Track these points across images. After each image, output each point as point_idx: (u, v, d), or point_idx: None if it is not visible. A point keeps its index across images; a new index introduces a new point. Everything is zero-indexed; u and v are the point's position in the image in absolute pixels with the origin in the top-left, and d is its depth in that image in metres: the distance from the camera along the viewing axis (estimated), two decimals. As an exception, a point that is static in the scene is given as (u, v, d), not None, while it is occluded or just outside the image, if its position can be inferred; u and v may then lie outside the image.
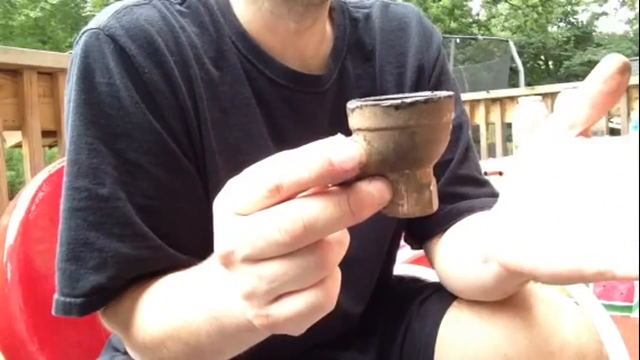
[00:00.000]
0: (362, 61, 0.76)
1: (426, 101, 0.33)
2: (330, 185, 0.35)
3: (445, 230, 0.76)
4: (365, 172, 0.35)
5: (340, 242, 0.36)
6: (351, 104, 0.35)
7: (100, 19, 0.62)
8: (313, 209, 0.33)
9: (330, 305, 0.36)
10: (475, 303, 0.70)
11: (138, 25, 0.61)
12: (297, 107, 0.70)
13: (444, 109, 0.35)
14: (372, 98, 0.37)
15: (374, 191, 0.34)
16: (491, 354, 0.64)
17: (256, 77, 0.68)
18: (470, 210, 0.75)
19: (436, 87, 0.78)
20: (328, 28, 0.75)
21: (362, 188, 0.34)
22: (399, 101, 0.33)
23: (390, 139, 0.34)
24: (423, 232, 0.78)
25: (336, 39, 0.74)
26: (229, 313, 0.43)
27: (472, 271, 0.64)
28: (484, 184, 0.80)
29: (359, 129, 0.35)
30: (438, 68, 0.79)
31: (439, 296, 0.76)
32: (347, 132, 0.36)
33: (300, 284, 0.35)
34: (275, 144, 0.68)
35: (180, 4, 0.66)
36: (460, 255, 0.69)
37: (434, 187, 0.37)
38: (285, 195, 0.34)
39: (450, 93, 0.35)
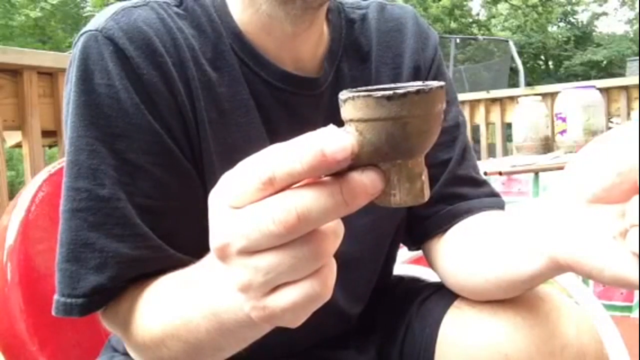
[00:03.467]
0: (358, 62, 0.76)
1: (418, 92, 0.34)
2: (323, 175, 0.35)
3: (445, 230, 0.76)
4: (357, 162, 0.35)
5: (334, 231, 0.36)
6: (343, 95, 0.35)
7: (98, 20, 0.62)
8: (306, 200, 0.34)
9: (327, 295, 0.37)
10: (476, 303, 0.70)
11: (136, 26, 0.61)
12: (293, 110, 0.70)
13: (435, 99, 0.35)
14: (364, 88, 0.37)
15: (366, 181, 0.35)
16: (492, 354, 0.64)
17: (252, 79, 0.68)
18: (470, 212, 0.75)
19: None
20: (325, 29, 0.75)
21: (355, 178, 0.34)
22: (390, 92, 0.33)
23: (382, 129, 0.34)
24: (422, 232, 0.78)
25: (332, 41, 0.74)
26: (227, 308, 0.43)
27: (483, 270, 0.65)
28: (482, 183, 0.80)
29: (351, 120, 0.35)
30: (434, 69, 0.80)
31: (439, 296, 0.76)
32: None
33: (296, 274, 0.36)
34: (272, 145, 0.68)
35: (177, 6, 0.67)
36: (469, 255, 0.69)
37: (425, 177, 0.37)
38: (278, 187, 0.34)
39: (442, 83, 0.35)
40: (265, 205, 0.34)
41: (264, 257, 0.35)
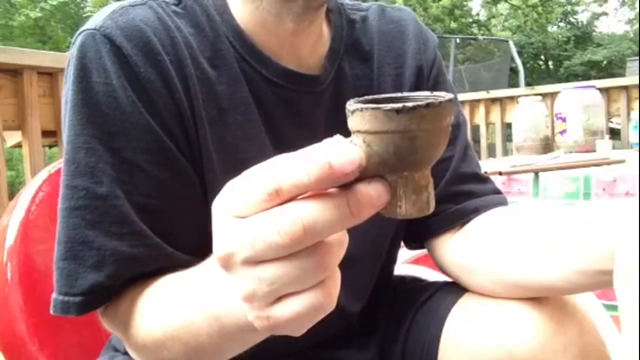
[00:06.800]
0: (360, 62, 0.76)
1: (427, 105, 0.33)
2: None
3: (453, 229, 0.76)
4: (364, 173, 0.34)
5: (339, 243, 0.36)
6: (351, 106, 0.35)
7: (96, 19, 0.62)
8: (312, 211, 0.33)
9: (331, 306, 0.37)
10: (480, 300, 0.70)
11: (134, 25, 0.61)
12: (294, 107, 0.70)
13: (444, 113, 0.34)
14: (371, 98, 0.36)
15: (372, 193, 0.34)
16: (496, 351, 0.64)
17: (253, 76, 0.68)
18: (477, 211, 0.76)
19: (434, 88, 0.79)
20: (325, 29, 0.75)
21: (361, 190, 0.34)
22: (400, 105, 0.33)
23: (390, 142, 0.34)
24: (426, 231, 0.79)
25: (333, 40, 0.75)
26: (229, 314, 0.43)
27: (509, 273, 0.67)
28: (487, 180, 0.81)
29: (358, 131, 0.35)
30: (435, 70, 0.81)
31: (443, 294, 0.76)
32: (344, 132, 0.36)
33: (300, 285, 0.35)
34: (272, 143, 0.68)
35: (176, 5, 0.67)
36: (487, 254, 0.70)
37: (431, 189, 0.37)
38: (284, 198, 0.34)
39: (451, 96, 0.35)
40: (271, 216, 0.34)
41: (269, 267, 0.35)
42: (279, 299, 0.36)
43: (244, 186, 0.35)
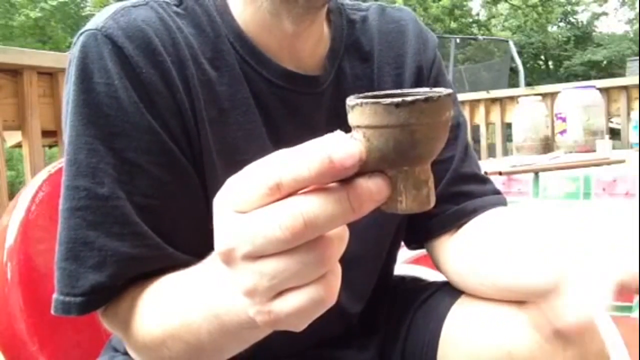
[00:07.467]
0: (360, 62, 0.76)
1: (426, 99, 0.34)
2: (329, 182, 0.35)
3: (451, 230, 0.76)
4: (364, 168, 0.35)
5: (340, 237, 0.36)
6: (351, 101, 0.35)
7: (97, 20, 0.62)
8: (313, 206, 0.34)
9: (332, 300, 0.37)
10: (479, 301, 0.70)
11: (135, 25, 0.61)
12: (294, 108, 0.70)
13: (443, 107, 0.35)
14: (371, 94, 0.37)
15: (373, 187, 0.35)
16: (495, 351, 0.65)
17: (253, 77, 0.68)
18: (475, 211, 0.76)
19: (435, 87, 0.79)
20: (325, 29, 0.75)
21: (362, 184, 0.34)
22: (399, 99, 0.33)
23: (390, 136, 0.34)
24: (426, 231, 0.79)
25: (333, 40, 0.75)
26: (230, 311, 0.43)
27: (495, 276, 0.67)
28: (486, 180, 0.81)
29: (358, 126, 0.35)
30: (435, 69, 0.81)
31: (443, 294, 0.76)
32: (345, 132, 0.36)
33: (301, 279, 0.36)
34: (273, 143, 0.68)
35: (177, 6, 0.67)
36: (479, 258, 0.71)
37: (431, 183, 0.37)
38: (285, 193, 0.34)
39: (450, 91, 0.35)
40: (272, 211, 0.34)
41: (270, 262, 0.35)
42: (280, 293, 0.36)
43: (245, 181, 0.35)
